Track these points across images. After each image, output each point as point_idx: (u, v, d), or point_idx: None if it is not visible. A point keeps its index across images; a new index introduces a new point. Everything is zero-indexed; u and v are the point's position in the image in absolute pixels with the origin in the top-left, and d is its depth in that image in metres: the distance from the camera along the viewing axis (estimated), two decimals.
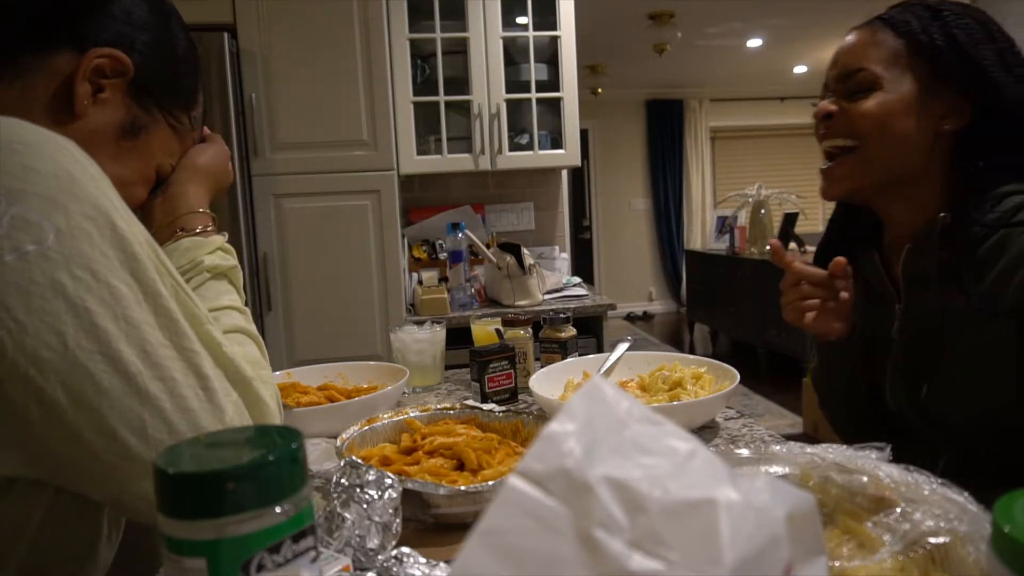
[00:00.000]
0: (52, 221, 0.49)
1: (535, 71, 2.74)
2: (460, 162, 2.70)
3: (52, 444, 0.50)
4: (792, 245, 4.97)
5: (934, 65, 0.91)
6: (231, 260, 0.78)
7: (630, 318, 8.10)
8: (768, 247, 1.02)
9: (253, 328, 0.74)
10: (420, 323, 1.42)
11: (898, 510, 0.51)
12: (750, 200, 5.13)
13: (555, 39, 2.75)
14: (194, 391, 0.54)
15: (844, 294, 1.00)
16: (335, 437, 0.92)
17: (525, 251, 2.52)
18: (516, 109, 2.80)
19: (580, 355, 1.35)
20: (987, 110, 0.90)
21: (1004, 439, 0.89)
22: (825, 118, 0.97)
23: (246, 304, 0.78)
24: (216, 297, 0.73)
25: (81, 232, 0.51)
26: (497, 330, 1.39)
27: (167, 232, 0.78)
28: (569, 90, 2.75)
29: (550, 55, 2.80)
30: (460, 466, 0.84)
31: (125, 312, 0.51)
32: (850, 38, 0.98)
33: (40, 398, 0.49)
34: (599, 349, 2.52)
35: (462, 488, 0.73)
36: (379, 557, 0.60)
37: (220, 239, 0.79)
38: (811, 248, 5.52)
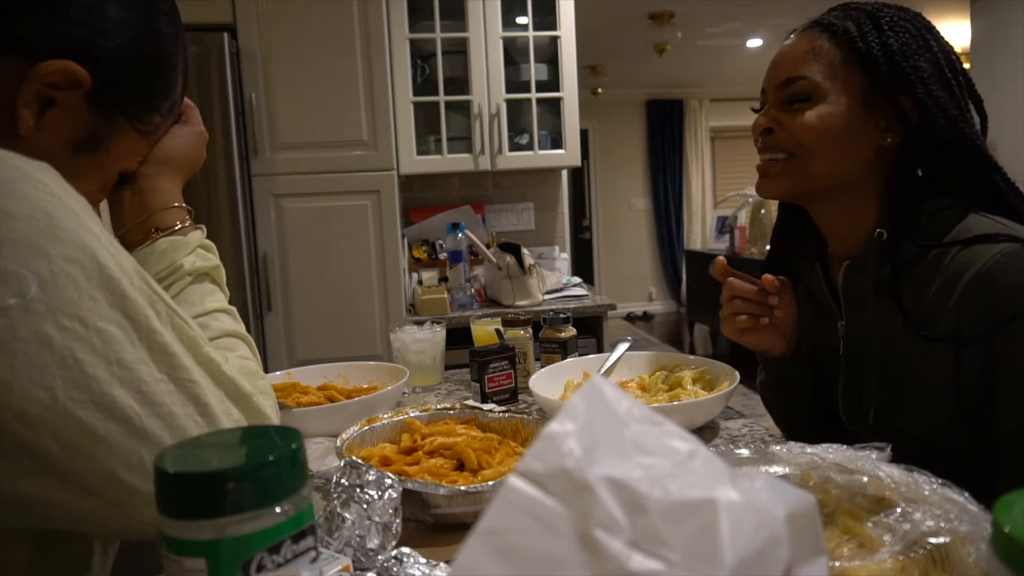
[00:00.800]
0: (34, 270, 0.46)
1: (535, 71, 2.74)
2: (460, 162, 2.70)
3: (51, 494, 0.49)
4: None
5: (871, 77, 0.88)
6: (212, 259, 0.74)
7: (630, 318, 8.10)
8: (714, 263, 1.03)
9: (242, 327, 0.72)
10: (420, 323, 1.42)
11: (898, 510, 0.51)
12: (750, 200, 5.13)
13: (555, 39, 2.75)
14: (192, 419, 0.53)
15: (778, 312, 1.00)
16: (335, 437, 0.92)
17: (525, 251, 2.52)
18: (516, 109, 2.80)
19: (580, 355, 1.35)
20: (924, 123, 0.87)
21: (944, 462, 0.88)
22: (764, 132, 0.94)
23: (231, 302, 0.75)
24: (200, 301, 0.71)
25: (65, 278, 0.47)
26: (497, 330, 1.39)
27: (140, 232, 0.73)
28: (569, 90, 2.75)
29: (550, 55, 2.80)
30: (460, 466, 0.84)
31: (118, 355, 0.49)
32: (788, 44, 0.95)
33: (32, 452, 0.47)
34: (599, 349, 2.52)
35: (462, 488, 0.73)
36: (379, 557, 0.60)
37: (199, 235, 0.75)
38: None
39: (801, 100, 0.90)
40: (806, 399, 1.07)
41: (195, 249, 0.73)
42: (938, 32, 0.91)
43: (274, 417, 0.63)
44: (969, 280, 0.81)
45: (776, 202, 1.08)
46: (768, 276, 0.99)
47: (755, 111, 0.98)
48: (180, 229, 0.74)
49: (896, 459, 0.93)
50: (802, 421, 1.09)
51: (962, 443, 0.86)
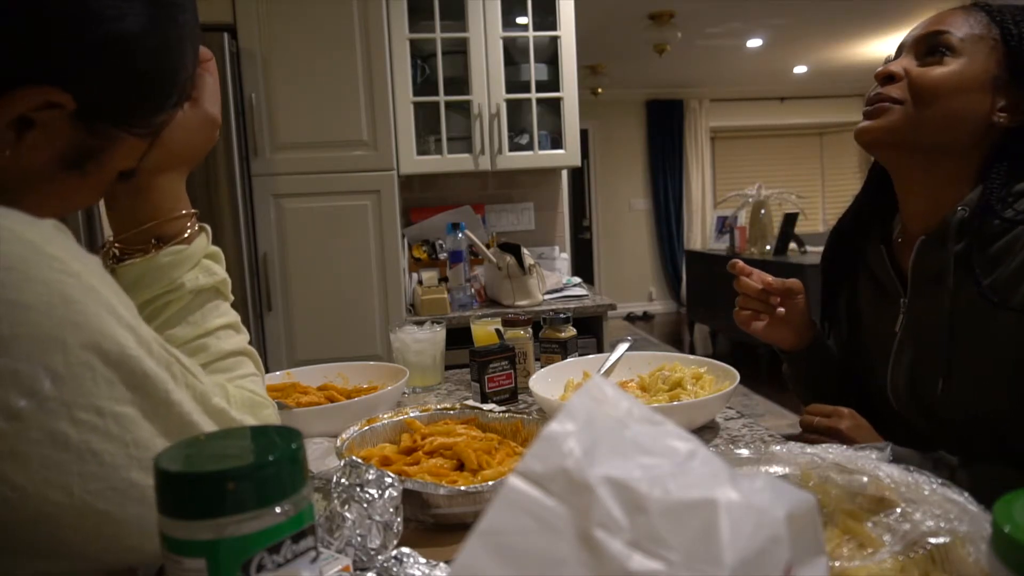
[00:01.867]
0: (48, 366, 0.42)
1: (535, 71, 2.74)
2: (460, 162, 2.70)
3: (61, 566, 0.48)
4: (792, 245, 4.97)
5: (1013, 57, 0.91)
6: (218, 272, 0.69)
7: (630, 318, 8.10)
8: (733, 264, 1.14)
9: (245, 338, 0.70)
10: (420, 323, 1.42)
11: (898, 510, 0.51)
12: (750, 200, 5.13)
13: (555, 39, 2.74)
14: None
15: (780, 310, 1.09)
16: (335, 437, 0.92)
17: (525, 251, 2.52)
18: (516, 109, 2.80)
19: (580, 355, 1.35)
20: None
21: (1003, 437, 0.89)
22: (886, 80, 0.95)
23: (231, 303, 0.72)
24: (203, 320, 0.67)
25: (82, 367, 0.44)
26: (497, 330, 1.39)
27: (141, 243, 0.67)
28: (569, 90, 2.75)
29: (550, 55, 2.80)
30: (460, 466, 0.84)
31: (134, 437, 0.46)
32: (942, 12, 0.97)
33: (49, 542, 0.45)
34: (599, 349, 2.52)
35: (462, 488, 0.73)
36: (379, 557, 0.60)
37: (203, 243, 0.69)
38: (811, 248, 5.51)
39: (937, 54, 0.93)
40: (829, 387, 1.14)
41: (199, 262, 0.68)
42: None
43: None
44: None
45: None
46: (767, 280, 1.10)
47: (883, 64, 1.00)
48: (185, 238, 0.68)
49: (945, 439, 0.95)
50: (833, 399, 1.13)
51: (1017, 420, 0.87)
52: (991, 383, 0.89)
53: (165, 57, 0.57)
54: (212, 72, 0.70)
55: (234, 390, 0.63)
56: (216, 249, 0.72)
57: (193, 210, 0.70)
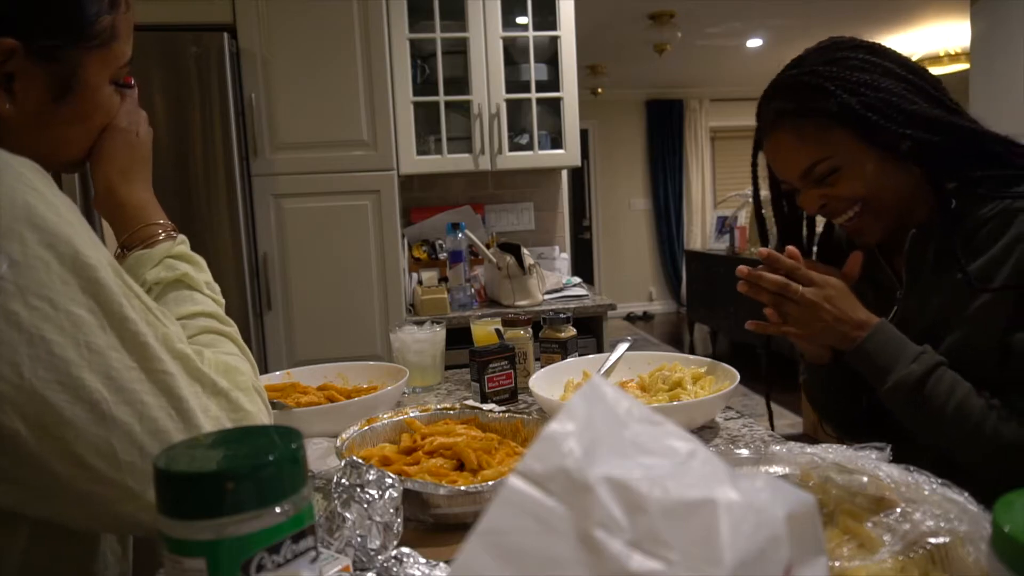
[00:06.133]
0: (6, 251, 0.48)
1: (535, 71, 2.74)
2: (460, 162, 2.70)
3: (20, 473, 0.50)
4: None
5: (858, 126, 0.95)
6: (181, 267, 0.74)
7: (630, 318, 8.10)
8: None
9: (228, 328, 0.72)
10: (420, 323, 1.42)
11: (898, 510, 0.51)
12: (750, 200, 5.13)
13: (555, 39, 2.75)
14: (166, 412, 0.53)
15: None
16: (335, 437, 0.92)
17: (525, 251, 2.52)
18: (516, 109, 2.80)
19: (580, 355, 1.35)
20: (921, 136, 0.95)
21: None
22: (821, 208, 1.03)
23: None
24: (176, 308, 0.70)
25: (38, 260, 0.49)
26: (497, 330, 1.39)
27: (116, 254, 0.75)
28: (569, 90, 2.75)
29: (550, 55, 2.80)
30: (460, 466, 0.84)
31: (87, 339, 0.50)
32: (778, 147, 1.02)
33: (0, 432, 0.48)
34: (599, 349, 2.52)
35: (462, 488, 0.73)
36: (379, 557, 0.60)
37: (165, 248, 0.74)
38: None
39: (828, 176, 0.98)
40: (850, 401, 1.10)
41: (161, 261, 0.73)
42: (891, 54, 0.99)
43: (256, 412, 0.63)
44: None
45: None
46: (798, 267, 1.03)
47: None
48: (148, 243, 0.74)
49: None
50: (848, 415, 1.14)
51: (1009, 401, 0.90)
52: (977, 363, 0.92)
53: None
54: (132, 97, 0.77)
55: (211, 355, 0.64)
56: (182, 250, 0.76)
57: (170, 223, 0.77)
